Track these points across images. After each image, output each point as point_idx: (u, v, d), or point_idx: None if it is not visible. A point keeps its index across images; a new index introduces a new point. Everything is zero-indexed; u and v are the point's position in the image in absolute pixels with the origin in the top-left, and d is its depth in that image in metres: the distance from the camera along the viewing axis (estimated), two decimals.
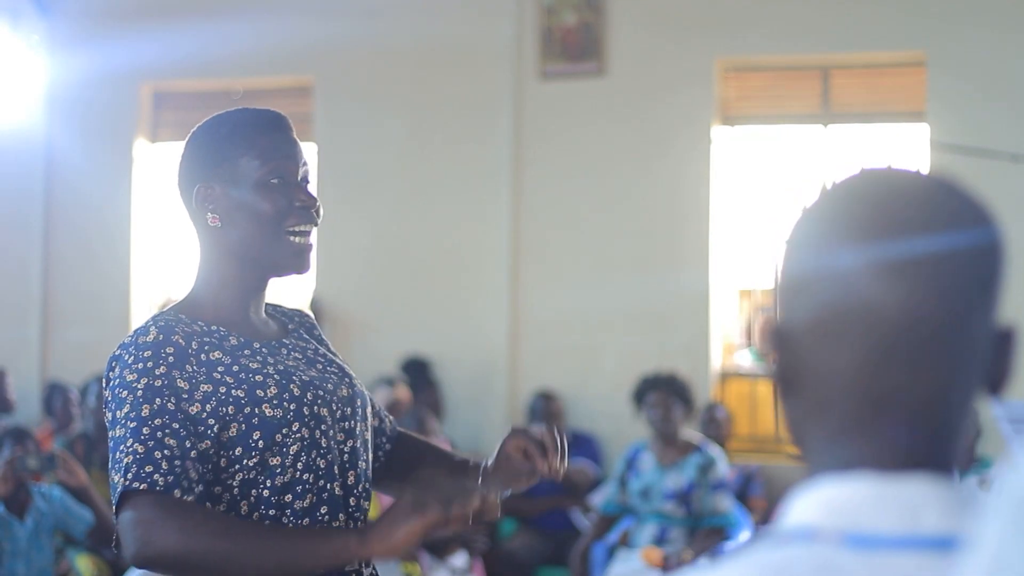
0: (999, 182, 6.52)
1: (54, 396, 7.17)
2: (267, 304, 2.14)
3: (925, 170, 0.99)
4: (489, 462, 2.05)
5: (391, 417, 2.29)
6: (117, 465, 1.83)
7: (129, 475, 1.80)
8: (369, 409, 2.10)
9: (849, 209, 0.96)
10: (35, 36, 7.81)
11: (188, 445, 1.84)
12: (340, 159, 7.62)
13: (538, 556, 6.58)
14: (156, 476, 1.80)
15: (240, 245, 2.00)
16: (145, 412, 1.84)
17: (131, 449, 1.82)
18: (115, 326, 7.83)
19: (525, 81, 7.40)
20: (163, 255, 8.13)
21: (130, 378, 1.87)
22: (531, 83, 7.39)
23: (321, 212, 2.04)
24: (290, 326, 2.14)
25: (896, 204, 0.94)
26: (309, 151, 8.38)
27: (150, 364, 1.87)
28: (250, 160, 1.99)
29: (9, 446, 5.09)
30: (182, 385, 1.88)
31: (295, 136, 2.06)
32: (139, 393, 1.85)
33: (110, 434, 1.88)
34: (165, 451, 1.82)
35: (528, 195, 7.39)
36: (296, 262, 2.01)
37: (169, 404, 1.85)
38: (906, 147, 7.11)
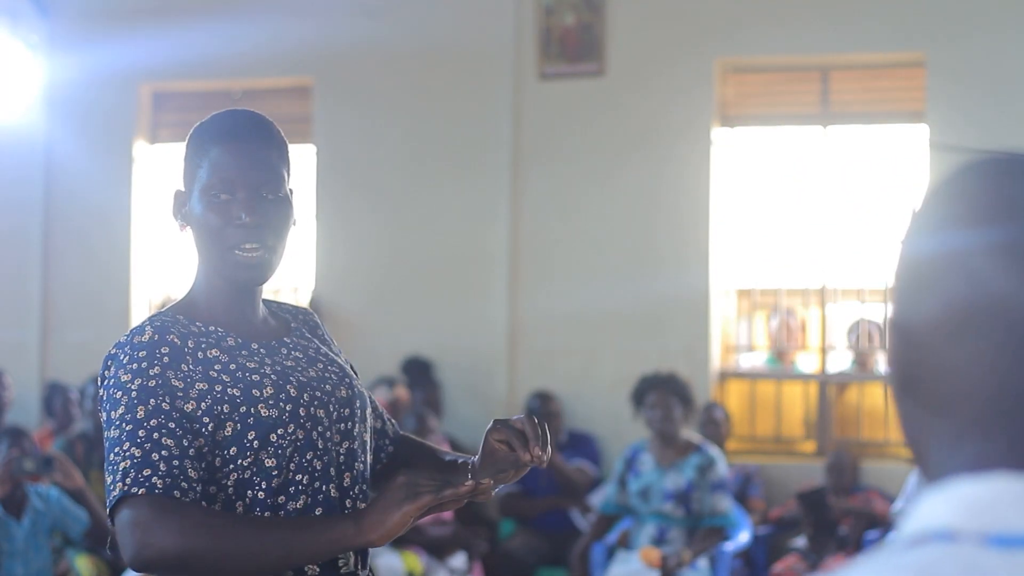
0: None
1: (54, 397, 7.16)
2: (270, 301, 2.11)
3: None
4: (476, 459, 2.02)
5: (394, 420, 2.26)
6: (112, 468, 1.81)
7: (128, 480, 1.78)
8: (369, 411, 2.07)
9: (974, 198, 0.92)
10: (35, 36, 7.80)
11: (186, 444, 1.82)
12: (339, 160, 7.62)
13: (538, 556, 6.57)
14: (155, 479, 1.78)
15: (200, 253, 1.99)
16: (140, 414, 1.81)
17: (128, 453, 1.79)
18: (115, 327, 7.82)
19: (525, 81, 7.39)
20: (163, 256, 8.12)
21: (124, 378, 1.84)
22: (531, 83, 7.39)
23: (273, 226, 1.95)
24: (292, 324, 2.10)
25: (1021, 190, 0.90)
26: (308, 152, 8.27)
27: (144, 364, 1.84)
28: (202, 171, 1.96)
29: (6, 447, 5.08)
30: (177, 384, 1.85)
31: (264, 143, 1.97)
32: (133, 394, 1.83)
33: (105, 434, 1.85)
34: (163, 452, 1.79)
35: (528, 195, 7.39)
36: (245, 275, 1.95)
37: (164, 404, 1.83)
38: (906, 148, 7.10)
